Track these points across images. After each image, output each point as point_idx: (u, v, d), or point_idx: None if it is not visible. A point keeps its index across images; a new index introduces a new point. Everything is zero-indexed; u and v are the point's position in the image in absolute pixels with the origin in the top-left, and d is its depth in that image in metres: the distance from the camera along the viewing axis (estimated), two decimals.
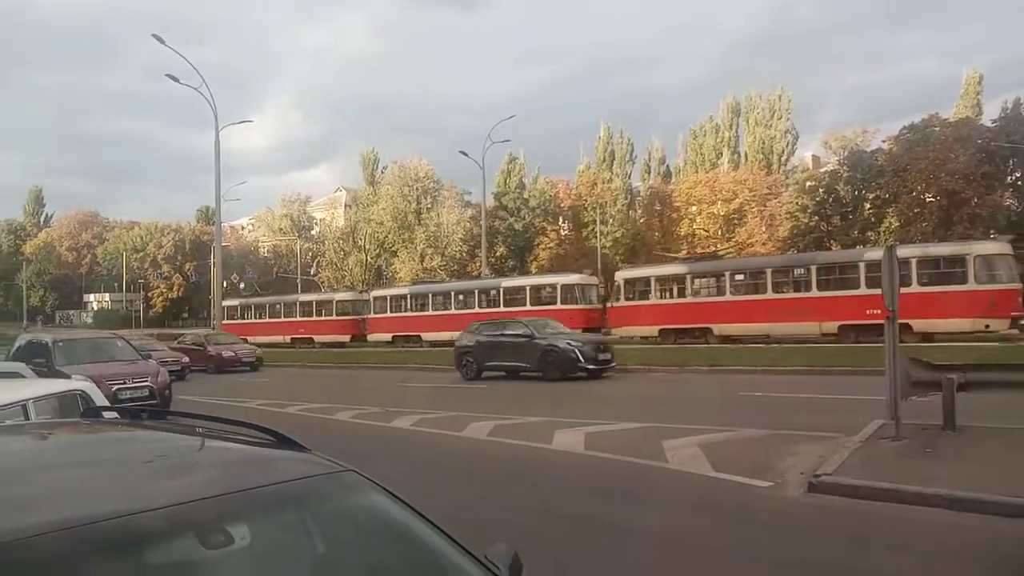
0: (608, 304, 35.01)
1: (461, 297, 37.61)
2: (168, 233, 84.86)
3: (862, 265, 25.29)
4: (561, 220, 65.17)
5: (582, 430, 10.84)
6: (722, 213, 56.13)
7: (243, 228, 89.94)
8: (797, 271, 27.73)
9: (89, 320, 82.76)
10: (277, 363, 30.72)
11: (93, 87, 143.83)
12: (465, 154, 45.76)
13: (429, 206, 62.37)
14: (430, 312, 37.89)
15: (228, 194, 48.68)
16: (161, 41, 32.31)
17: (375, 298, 41.60)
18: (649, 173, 68.71)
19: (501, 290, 35.65)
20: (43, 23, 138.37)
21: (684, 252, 46.51)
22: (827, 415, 11.39)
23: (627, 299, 32.03)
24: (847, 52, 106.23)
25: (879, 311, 17.98)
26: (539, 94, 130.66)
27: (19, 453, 2.46)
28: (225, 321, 46.46)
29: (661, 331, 30.32)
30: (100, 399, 5.34)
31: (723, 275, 29.77)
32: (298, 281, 63.59)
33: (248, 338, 42.86)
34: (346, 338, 41.92)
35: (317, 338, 42.80)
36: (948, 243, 27.74)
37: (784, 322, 26.73)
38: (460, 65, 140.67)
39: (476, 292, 37.06)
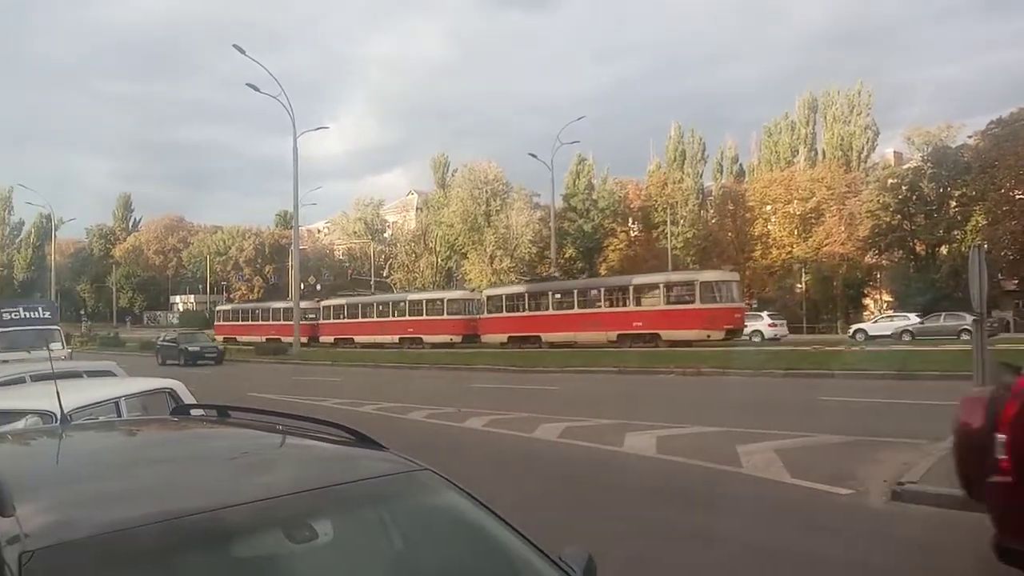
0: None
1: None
2: (249, 237, 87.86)
3: (631, 288, 33.65)
4: (631, 221, 64.62)
5: (654, 433, 10.70)
6: (798, 212, 54.66)
7: (319, 231, 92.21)
8: (592, 292, 35.62)
9: (175, 320, 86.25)
10: (380, 363, 31.22)
11: (178, 97, 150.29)
12: (534, 156, 45.95)
13: (498, 208, 62.75)
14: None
15: (305, 199, 50.14)
16: (242, 51, 33.46)
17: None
18: (721, 172, 67.47)
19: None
20: (130, 37, 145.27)
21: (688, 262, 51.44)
22: (911, 421, 10.96)
23: (488, 312, 39.21)
24: (931, 44, 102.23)
25: (641, 323, 31.45)
26: (609, 94, 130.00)
27: (113, 449, 2.59)
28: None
29: (509, 338, 36.92)
30: (188, 397, 5.54)
31: (547, 295, 37.18)
32: (371, 283, 64.83)
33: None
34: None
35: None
36: (682, 272, 38.36)
37: (585, 331, 33.62)
38: (530, 67, 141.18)
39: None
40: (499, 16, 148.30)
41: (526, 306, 37.68)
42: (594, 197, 62.63)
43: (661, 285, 33.06)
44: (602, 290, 35.59)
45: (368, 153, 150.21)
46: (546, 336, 35.84)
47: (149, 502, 1.78)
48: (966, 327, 31.05)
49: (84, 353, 36.59)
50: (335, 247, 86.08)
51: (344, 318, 47.17)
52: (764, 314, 40.43)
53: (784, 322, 41.36)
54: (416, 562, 2.05)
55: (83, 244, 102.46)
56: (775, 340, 36.41)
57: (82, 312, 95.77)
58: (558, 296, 36.85)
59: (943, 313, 36.80)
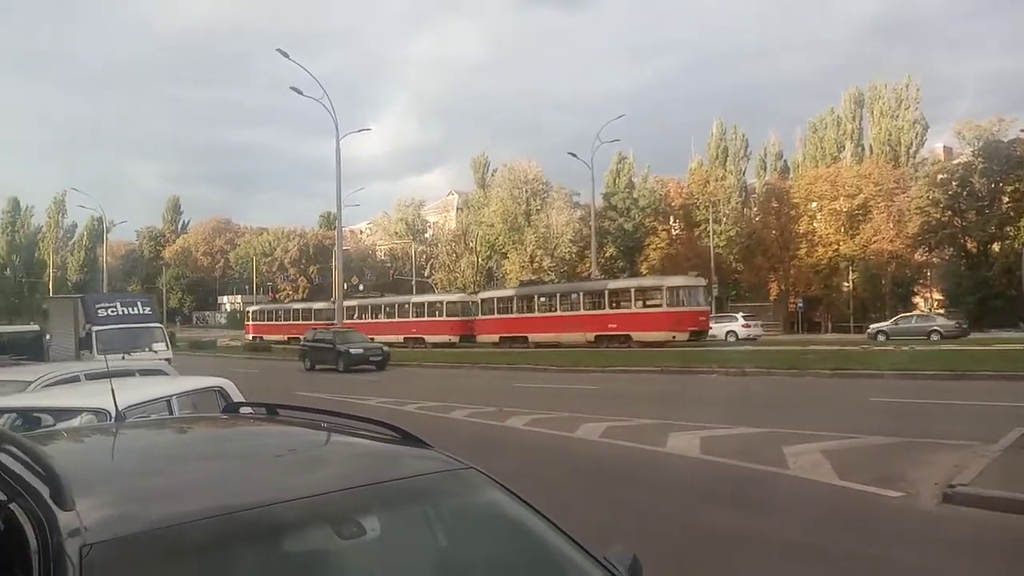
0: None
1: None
2: (293, 238, 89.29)
3: (606, 292, 36.04)
4: (672, 219, 64.04)
5: (697, 433, 10.59)
6: (845, 209, 53.57)
7: (362, 232, 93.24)
8: (572, 296, 37.79)
9: (223, 321, 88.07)
10: (399, 363, 31.62)
11: (224, 101, 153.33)
12: (574, 155, 45.79)
13: (538, 208, 62.74)
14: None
15: (348, 200, 50.50)
16: (285, 55, 33.98)
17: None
18: (765, 169, 66.41)
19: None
20: (178, 43, 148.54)
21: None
22: (964, 422, 10.68)
23: (482, 314, 41.39)
24: (980, 36, 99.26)
25: (615, 325, 33.78)
26: (649, 92, 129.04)
27: (166, 445, 2.65)
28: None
29: (501, 338, 39.07)
30: (237, 395, 5.65)
31: (534, 298, 39.48)
32: (413, 283, 65.38)
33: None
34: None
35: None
36: (650, 277, 41.28)
37: (567, 332, 35.44)
38: (569, 66, 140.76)
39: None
40: (537, 15, 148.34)
41: (515, 309, 39.97)
42: (635, 196, 62.21)
43: (633, 289, 35.68)
44: (582, 294, 37.65)
45: (409, 154, 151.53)
46: (533, 336, 37.93)
47: (202, 498, 1.82)
48: (935, 328, 34.87)
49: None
50: (377, 247, 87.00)
51: (355, 318, 48.83)
52: (739, 315, 42.84)
53: (759, 323, 43.30)
54: (461, 559, 2.06)
55: (133, 246, 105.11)
56: (752, 340, 38.33)
57: None
58: (543, 299, 39.30)
59: (914, 315, 39.80)
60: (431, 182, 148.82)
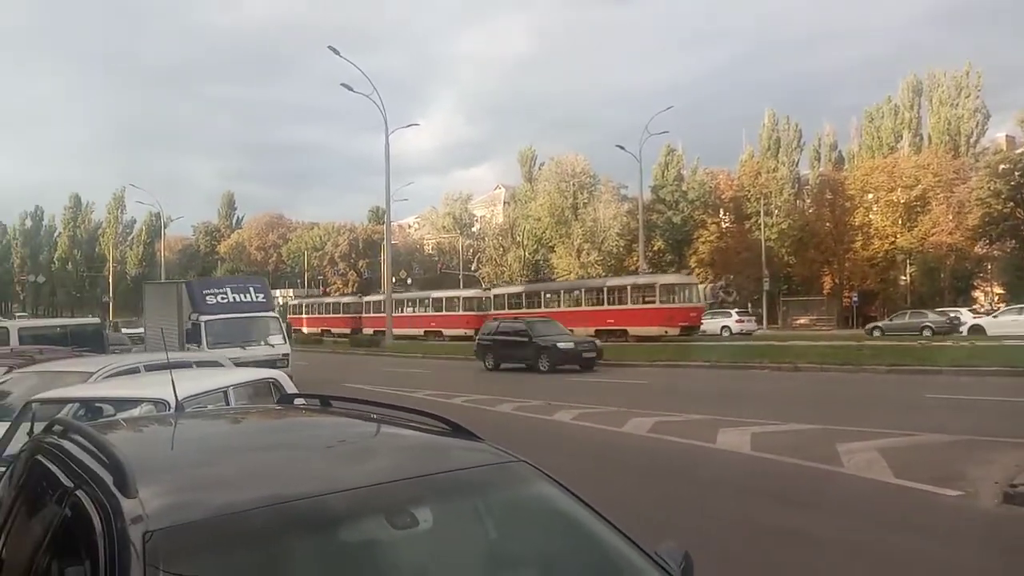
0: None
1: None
2: (344, 233, 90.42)
3: (605, 289, 38.65)
4: (722, 212, 63.11)
5: (748, 429, 10.46)
6: (902, 201, 52.07)
7: (410, 226, 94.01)
8: (575, 292, 40.36)
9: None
10: (433, 355, 31.83)
11: (277, 99, 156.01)
12: (622, 148, 45.48)
13: (586, 201, 62.44)
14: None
15: (397, 194, 51.43)
16: (336, 52, 34.43)
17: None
18: (819, 160, 64.89)
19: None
20: (231, 41, 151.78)
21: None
22: None
23: (494, 309, 43.19)
24: None
25: (613, 320, 35.72)
26: (698, 83, 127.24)
27: (224, 435, 2.73)
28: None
29: None
30: (290, 387, 5.77)
31: (540, 294, 42.38)
32: (460, 277, 65.66)
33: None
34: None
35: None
36: (645, 275, 41.46)
37: (569, 327, 36.00)
38: (617, 58, 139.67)
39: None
40: (585, 8, 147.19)
41: (523, 304, 42.23)
42: (684, 188, 61.46)
43: (629, 287, 37.79)
44: (583, 291, 40.23)
45: (456, 148, 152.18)
46: None
47: (258, 487, 1.87)
48: (927, 324, 35.80)
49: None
50: (425, 241, 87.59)
51: (382, 312, 50.28)
52: (733, 311, 45.07)
53: (753, 318, 45.32)
54: (511, 553, 2.07)
55: (190, 241, 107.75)
56: (747, 335, 40.06)
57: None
58: (549, 295, 41.98)
59: (908, 311, 40.81)
60: (478, 176, 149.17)
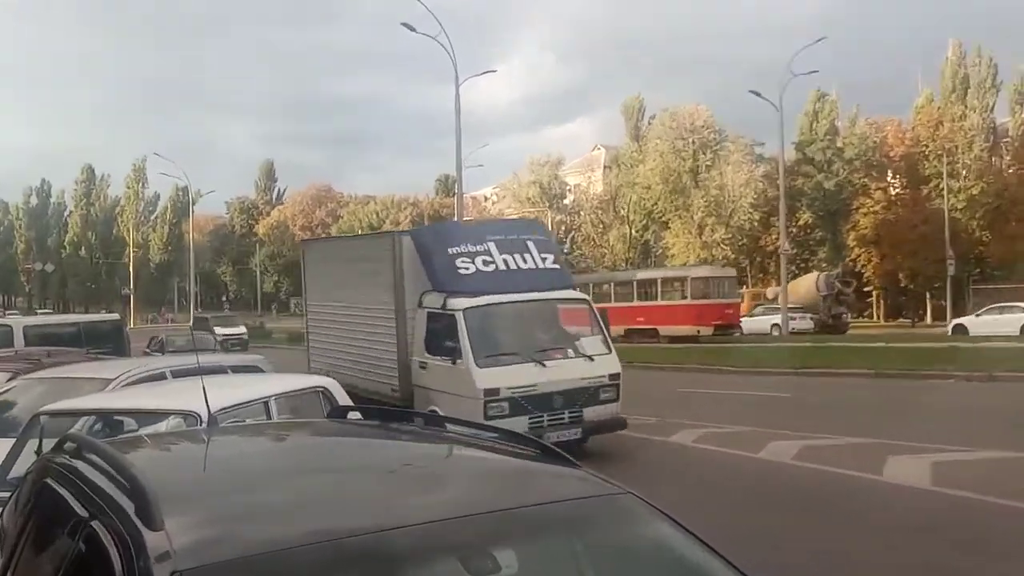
0: None
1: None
2: (405, 207, 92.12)
3: (635, 283, 40.93)
4: (890, 175, 61.12)
5: (928, 457, 10.22)
6: None
7: (486, 199, 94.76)
8: (604, 286, 41.44)
9: None
10: None
11: (324, 44, 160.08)
12: (756, 94, 44.33)
13: (709, 163, 61.53)
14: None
15: (469, 160, 51.36)
16: None
17: None
18: (1022, 106, 61.92)
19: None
20: None
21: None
22: None
23: None
24: None
25: (642, 318, 38.15)
26: (859, 7, 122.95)
27: (264, 455, 2.81)
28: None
29: None
30: (343, 397, 5.91)
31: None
32: None
33: None
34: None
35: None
36: (676, 267, 47.97)
37: None
38: None
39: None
40: None
41: None
42: (838, 144, 59.82)
43: (659, 280, 40.52)
44: (613, 284, 42.61)
45: (544, 101, 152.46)
46: None
47: (306, 519, 1.91)
48: None
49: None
50: (506, 216, 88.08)
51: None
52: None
53: (806, 315, 45.13)
54: None
55: (223, 220, 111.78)
56: (800, 333, 41.22)
57: (224, 299, 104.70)
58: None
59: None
60: (572, 135, 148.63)
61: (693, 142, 62.36)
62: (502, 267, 12.11)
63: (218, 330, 41.35)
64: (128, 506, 1.87)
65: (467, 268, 11.96)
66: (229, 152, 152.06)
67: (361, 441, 2.86)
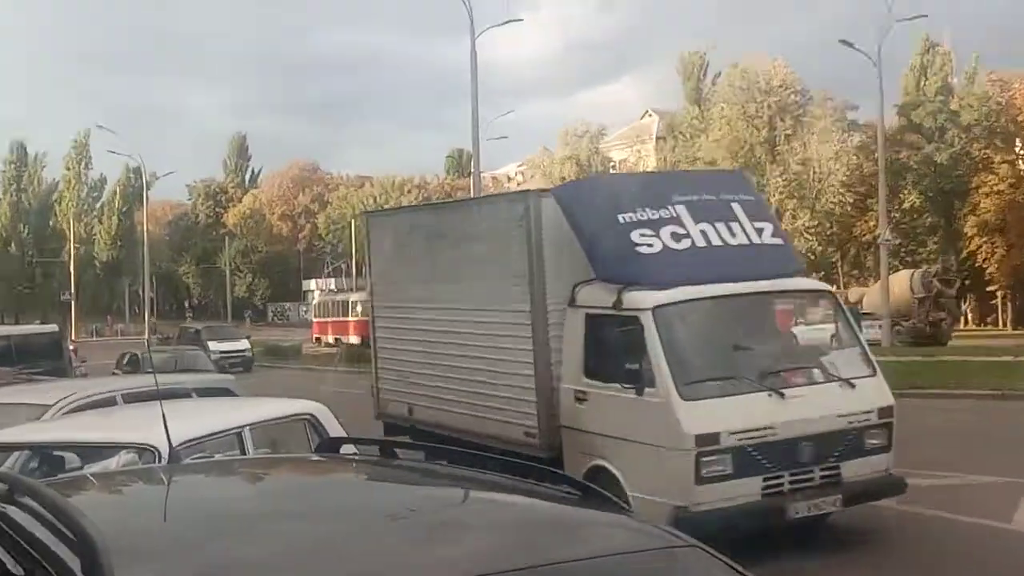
0: None
1: None
2: (410, 191, 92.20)
3: None
4: (1019, 144, 60.57)
5: None
6: None
7: (510, 179, 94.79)
8: None
9: (310, 315, 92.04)
10: None
11: None
12: (849, 44, 44.06)
13: (789, 133, 61.25)
14: None
15: (489, 131, 51.28)
16: None
17: None
18: None
19: None
20: None
21: None
22: None
23: None
24: None
25: None
26: None
27: (238, 499, 2.82)
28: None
29: None
30: (335, 427, 5.91)
31: None
32: None
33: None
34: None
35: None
36: None
37: None
38: None
39: None
40: None
41: None
42: (953, 107, 59.34)
43: None
44: None
45: (581, 56, 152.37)
46: None
47: None
48: None
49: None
50: None
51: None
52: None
53: (881, 323, 41.88)
54: None
55: (184, 208, 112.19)
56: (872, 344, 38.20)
57: (187, 305, 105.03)
58: None
59: None
60: (616, 98, 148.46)
61: (769, 106, 62.06)
62: (701, 242, 9.93)
63: (213, 345, 41.28)
64: (72, 561, 1.87)
65: (650, 244, 9.73)
66: (192, 124, 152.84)
67: (358, 481, 2.87)
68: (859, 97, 61.42)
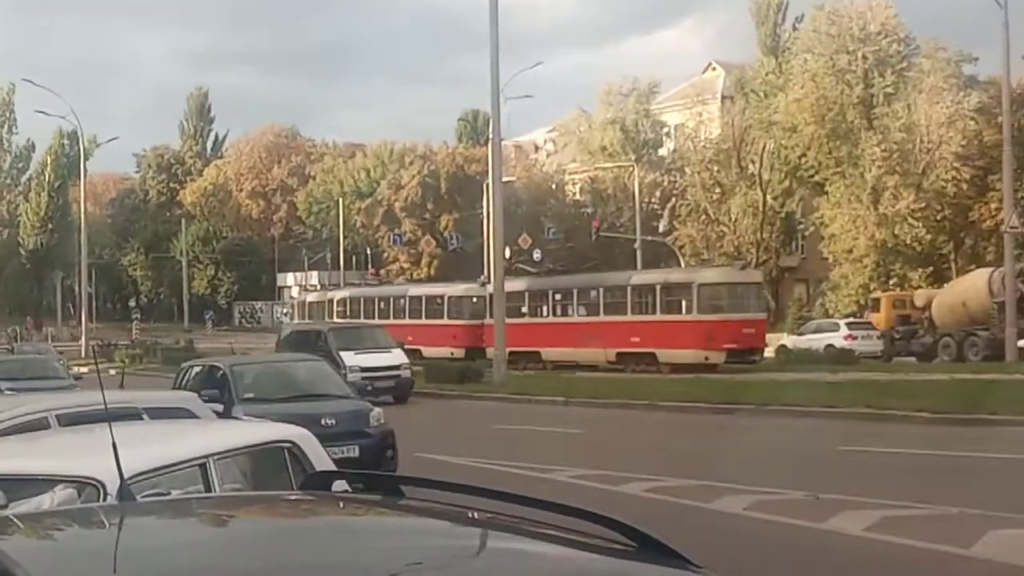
0: None
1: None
2: (412, 163, 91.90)
3: (629, 289, 46.76)
4: None
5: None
6: None
7: (537, 148, 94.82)
8: (592, 293, 49.10)
9: (287, 317, 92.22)
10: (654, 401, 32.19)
11: None
12: None
13: (890, 91, 61.02)
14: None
15: (512, 88, 51.28)
16: None
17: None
18: None
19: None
20: None
21: None
22: None
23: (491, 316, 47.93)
24: None
25: (638, 339, 45.36)
26: None
27: (203, 546, 2.83)
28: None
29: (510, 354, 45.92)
30: (321, 458, 5.92)
31: (548, 295, 51.70)
32: (636, 244, 65.45)
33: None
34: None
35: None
36: (680, 270, 55.33)
37: (584, 347, 46.59)
38: None
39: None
40: None
41: (527, 310, 50.12)
42: None
43: (657, 287, 45.87)
44: (601, 291, 48.48)
45: None
46: (546, 352, 48.71)
47: None
48: None
49: None
50: (567, 177, 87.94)
51: (349, 314, 55.95)
52: (841, 322, 52.93)
53: (872, 333, 51.13)
54: None
55: (131, 183, 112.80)
56: (870, 358, 46.27)
57: (133, 305, 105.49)
58: (558, 297, 50.69)
59: None
60: (672, 49, 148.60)
61: (864, 57, 61.91)
62: None
63: (350, 359, 33.03)
64: None
65: None
66: (141, 78, 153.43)
67: (356, 525, 2.87)
68: (979, 47, 61.30)
